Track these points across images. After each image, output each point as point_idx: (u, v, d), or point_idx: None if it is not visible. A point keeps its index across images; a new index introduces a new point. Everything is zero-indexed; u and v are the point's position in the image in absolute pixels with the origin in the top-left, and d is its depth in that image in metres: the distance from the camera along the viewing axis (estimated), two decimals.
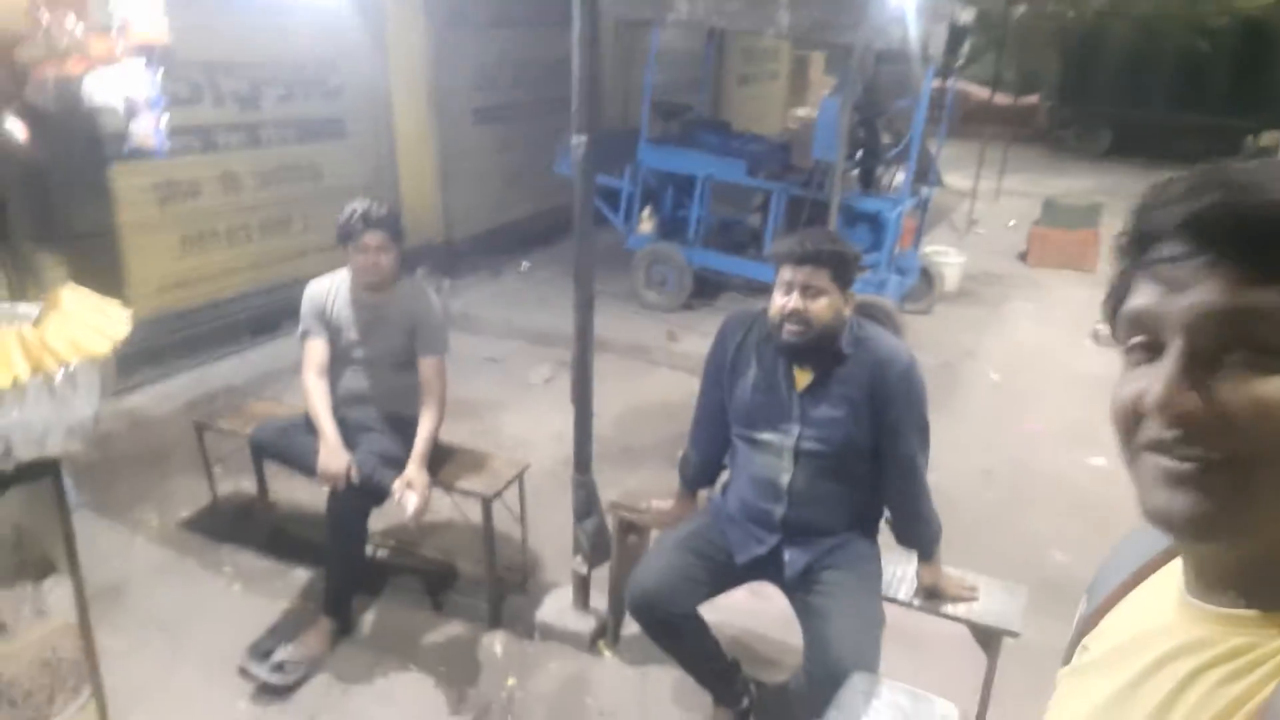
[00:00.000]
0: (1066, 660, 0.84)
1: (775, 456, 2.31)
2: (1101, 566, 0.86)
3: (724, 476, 2.58)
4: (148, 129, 3.42)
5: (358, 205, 2.87)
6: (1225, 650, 0.63)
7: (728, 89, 10.53)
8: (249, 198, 5.03)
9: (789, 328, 2.18)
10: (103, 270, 4.30)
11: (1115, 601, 0.79)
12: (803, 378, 2.29)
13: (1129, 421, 0.64)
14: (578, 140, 2.43)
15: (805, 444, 2.27)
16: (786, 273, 2.19)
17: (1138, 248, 0.66)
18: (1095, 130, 14.29)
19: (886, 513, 2.41)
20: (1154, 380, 0.61)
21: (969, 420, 4.68)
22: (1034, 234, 7.96)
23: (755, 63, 11.59)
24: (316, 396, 2.92)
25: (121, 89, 3.20)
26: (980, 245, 8.25)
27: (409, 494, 2.76)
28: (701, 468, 2.60)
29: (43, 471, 2.00)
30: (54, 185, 4.01)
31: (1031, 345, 5.93)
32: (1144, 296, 0.64)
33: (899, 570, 2.51)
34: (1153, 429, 0.62)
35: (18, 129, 3.02)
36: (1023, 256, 8.04)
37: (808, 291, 2.16)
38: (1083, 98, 14.14)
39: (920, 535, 2.37)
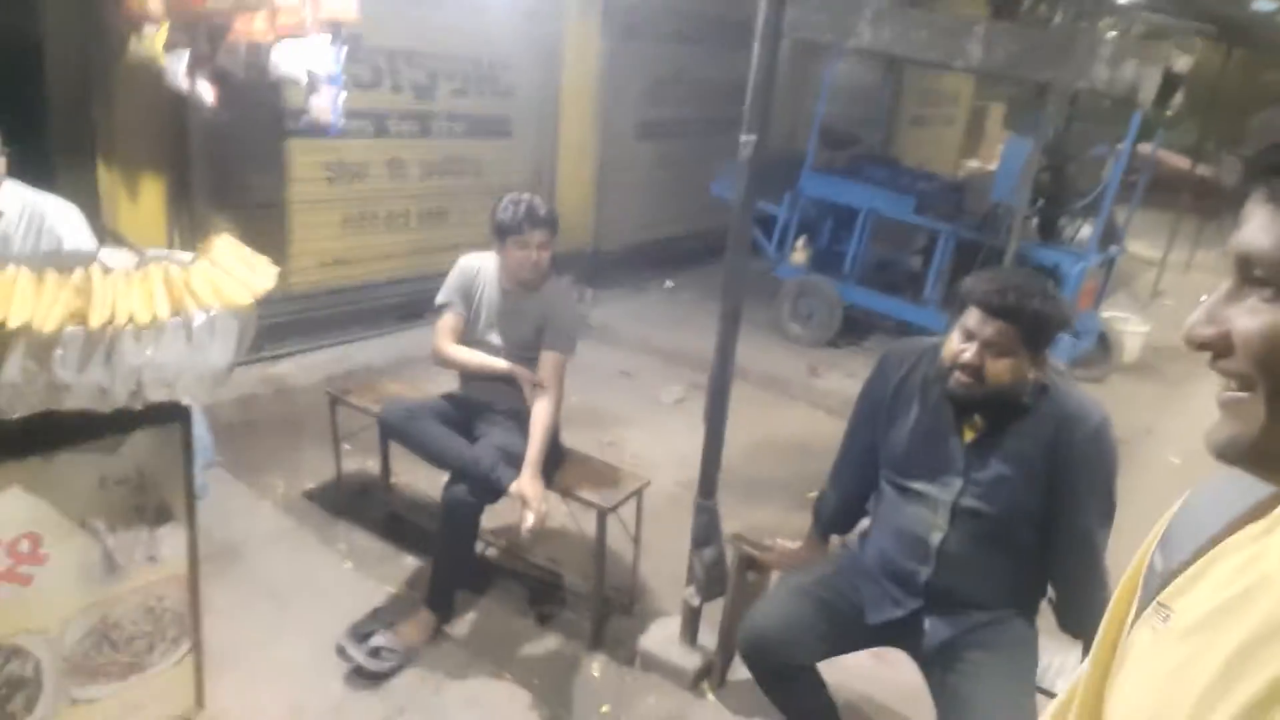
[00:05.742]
0: (1135, 615, 0.77)
1: (929, 511, 2.04)
2: (1175, 520, 0.80)
3: (863, 524, 2.33)
4: (326, 106, 3.50)
5: (521, 200, 2.80)
6: None
7: (900, 129, 10.15)
8: (412, 186, 5.15)
9: (959, 377, 1.92)
10: (269, 242, 4.47)
11: (1201, 556, 0.73)
12: (971, 427, 2.02)
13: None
14: (746, 139, 2.27)
15: (966, 501, 2.00)
16: (973, 318, 1.90)
17: None
18: None
19: (1050, 592, 2.09)
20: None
21: (1142, 505, 4.15)
22: None
23: (932, 105, 11.15)
24: (468, 353, 2.91)
25: (306, 62, 3.29)
26: (1166, 317, 7.52)
27: (528, 513, 2.66)
28: (839, 510, 2.36)
29: (171, 416, 1.98)
30: (234, 153, 4.19)
31: None
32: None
33: (1057, 660, 2.19)
34: None
35: (207, 92, 3.13)
36: None
37: (991, 348, 1.88)
38: None
39: (1088, 623, 2.02)
